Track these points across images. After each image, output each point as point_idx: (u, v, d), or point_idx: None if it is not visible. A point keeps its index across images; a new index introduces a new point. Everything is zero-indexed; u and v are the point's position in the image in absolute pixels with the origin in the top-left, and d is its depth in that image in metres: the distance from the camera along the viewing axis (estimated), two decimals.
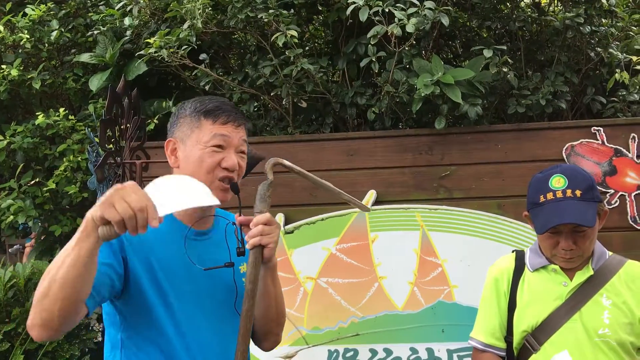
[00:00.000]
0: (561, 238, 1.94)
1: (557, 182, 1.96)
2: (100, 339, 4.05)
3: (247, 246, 1.58)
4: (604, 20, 3.64)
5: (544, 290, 2.01)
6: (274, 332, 1.79)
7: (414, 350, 3.09)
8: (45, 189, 3.84)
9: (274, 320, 1.75)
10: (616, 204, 3.10)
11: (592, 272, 1.98)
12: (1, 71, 3.91)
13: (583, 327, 1.93)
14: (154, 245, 1.61)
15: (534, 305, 2.00)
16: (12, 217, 3.71)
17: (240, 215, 1.62)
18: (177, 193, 1.39)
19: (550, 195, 1.94)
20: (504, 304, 2.06)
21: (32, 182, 3.89)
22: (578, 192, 1.92)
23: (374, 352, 3.11)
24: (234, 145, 1.66)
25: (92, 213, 1.31)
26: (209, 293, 1.65)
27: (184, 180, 1.49)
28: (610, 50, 3.54)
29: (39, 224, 4.04)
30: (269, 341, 1.81)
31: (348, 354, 3.12)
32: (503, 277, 2.08)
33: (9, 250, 6.98)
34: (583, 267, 2.00)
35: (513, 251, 2.18)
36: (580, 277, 1.98)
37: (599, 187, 3.06)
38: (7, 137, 3.86)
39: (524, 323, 2.00)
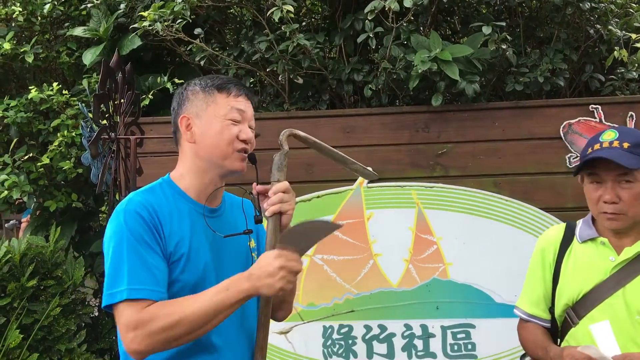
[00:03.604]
0: (605, 190, 1.89)
1: (608, 135, 1.94)
2: (96, 314, 4.07)
3: (267, 213, 1.64)
4: None
5: (589, 263, 1.96)
6: (288, 301, 1.86)
7: (408, 327, 3.11)
8: (39, 164, 3.82)
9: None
10: None
11: None
12: None
13: (625, 304, 1.88)
14: (184, 225, 1.67)
15: (577, 278, 1.96)
16: (6, 192, 3.70)
17: (257, 184, 1.70)
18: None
19: (597, 146, 1.92)
20: (549, 275, 2.03)
21: (26, 157, 3.87)
22: (625, 145, 1.89)
23: (368, 328, 3.13)
24: (248, 119, 1.74)
25: (268, 288, 1.54)
26: (228, 264, 1.71)
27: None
28: (610, 27, 3.51)
29: (34, 199, 4.02)
30: (283, 310, 1.86)
31: (343, 330, 3.14)
32: (550, 247, 2.05)
33: (6, 225, 6.97)
34: (633, 243, 1.93)
35: (566, 222, 2.11)
36: (629, 252, 1.91)
37: None
38: (1, 112, 3.82)
39: (565, 296, 1.97)
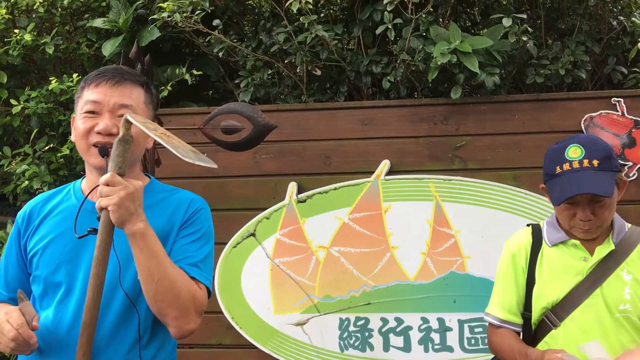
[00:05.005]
0: (578, 209, 1.91)
1: (574, 152, 1.92)
2: None
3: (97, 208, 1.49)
4: None
5: (563, 265, 1.98)
6: (171, 316, 1.53)
7: (425, 320, 3.10)
8: (59, 154, 3.85)
9: (159, 299, 1.52)
10: (634, 177, 3.05)
11: (613, 247, 1.95)
12: (15, 35, 3.89)
13: (604, 303, 1.91)
14: (54, 221, 1.70)
15: (554, 281, 1.98)
16: (27, 182, 3.74)
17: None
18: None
19: (566, 166, 1.91)
20: (522, 280, 2.03)
21: (47, 147, 3.91)
22: (595, 162, 1.89)
23: (385, 321, 3.12)
24: (108, 109, 1.62)
25: None
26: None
27: None
28: (633, 18, 3.45)
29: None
30: (169, 326, 1.57)
31: (359, 323, 3.14)
32: (521, 252, 2.05)
33: None
34: (603, 241, 1.97)
35: (528, 225, 2.14)
36: (601, 252, 1.95)
37: None
38: (22, 103, 3.86)
39: (543, 299, 1.98)
